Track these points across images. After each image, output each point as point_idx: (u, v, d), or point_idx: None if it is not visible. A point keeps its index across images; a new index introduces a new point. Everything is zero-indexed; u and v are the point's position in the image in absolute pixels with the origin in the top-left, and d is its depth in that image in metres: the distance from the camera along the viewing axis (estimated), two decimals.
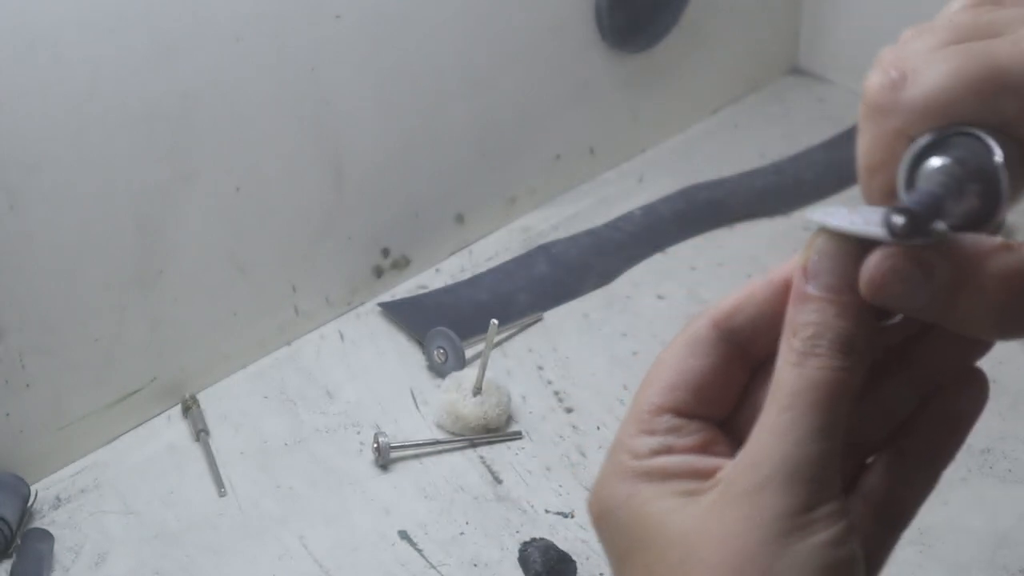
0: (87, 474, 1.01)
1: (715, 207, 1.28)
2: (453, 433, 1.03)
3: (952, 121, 0.41)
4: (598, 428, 1.04)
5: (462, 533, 0.95)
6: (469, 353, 1.09)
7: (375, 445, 1.01)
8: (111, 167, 0.96)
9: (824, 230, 0.42)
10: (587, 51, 1.26)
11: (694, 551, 0.42)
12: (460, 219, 1.22)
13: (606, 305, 1.17)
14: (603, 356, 1.11)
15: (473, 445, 1.03)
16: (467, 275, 1.20)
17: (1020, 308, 0.40)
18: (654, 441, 0.45)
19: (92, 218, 0.97)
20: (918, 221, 0.39)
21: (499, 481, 1.00)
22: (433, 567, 0.93)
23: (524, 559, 0.92)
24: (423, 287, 1.19)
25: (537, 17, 1.20)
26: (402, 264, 1.19)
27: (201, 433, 1.03)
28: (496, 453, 1.02)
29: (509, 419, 1.04)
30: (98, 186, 0.96)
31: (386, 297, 1.18)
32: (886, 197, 0.43)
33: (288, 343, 1.13)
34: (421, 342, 1.11)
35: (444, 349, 1.08)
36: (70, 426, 1.01)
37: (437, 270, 1.21)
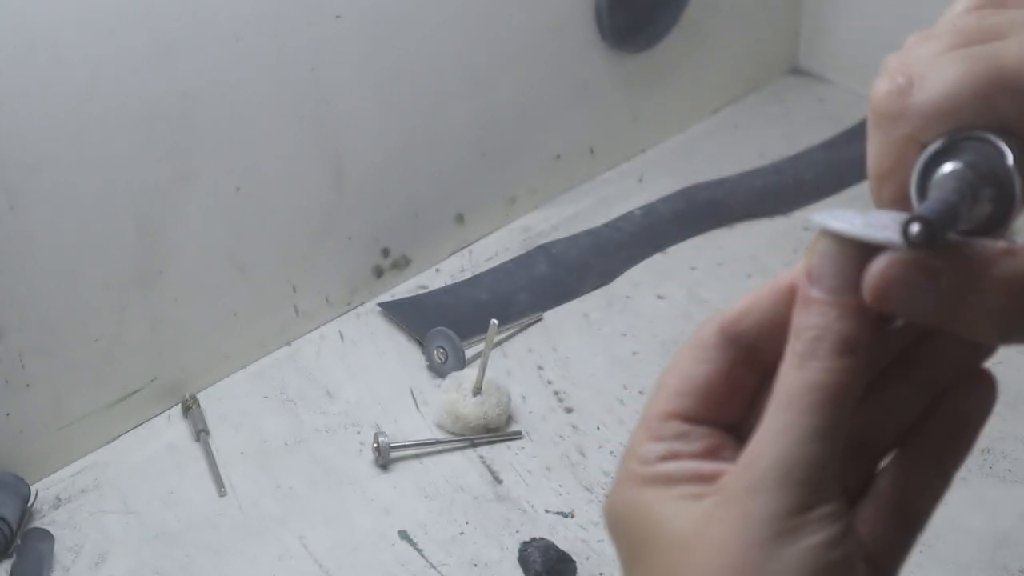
0: (87, 474, 1.01)
1: (715, 207, 1.28)
2: (453, 433, 1.03)
3: (961, 125, 0.41)
4: (598, 428, 1.04)
5: (462, 533, 0.95)
6: (469, 353, 1.09)
7: (375, 445, 1.01)
8: (111, 167, 0.96)
9: (826, 233, 0.42)
10: (587, 51, 1.26)
11: (690, 554, 0.42)
12: (460, 219, 1.22)
13: (606, 305, 1.17)
14: (603, 356, 1.11)
15: (473, 445, 1.03)
16: (467, 275, 1.20)
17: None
18: (661, 447, 0.45)
19: (92, 218, 0.97)
20: (934, 229, 0.39)
21: (499, 481, 1.00)
22: (433, 567, 0.93)
23: (524, 559, 0.92)
24: (423, 287, 1.19)
25: (537, 17, 1.20)
26: (402, 264, 1.19)
27: (201, 433, 1.03)
28: (496, 453, 1.02)
29: (509, 419, 1.04)
30: (98, 186, 0.96)
31: (386, 297, 1.18)
32: (897, 204, 0.43)
33: (288, 343, 1.13)
34: (421, 342, 1.11)
35: (444, 349, 1.08)
36: (70, 426, 1.01)
37: (437, 270, 1.21)
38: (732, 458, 0.44)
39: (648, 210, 1.27)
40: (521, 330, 1.14)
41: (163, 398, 1.06)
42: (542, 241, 1.23)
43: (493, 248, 1.23)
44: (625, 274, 1.20)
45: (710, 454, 0.45)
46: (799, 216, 1.26)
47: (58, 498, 0.99)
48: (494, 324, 1.04)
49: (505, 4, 1.17)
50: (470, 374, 1.04)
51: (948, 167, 0.41)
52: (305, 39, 1.04)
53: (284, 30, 1.02)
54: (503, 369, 1.09)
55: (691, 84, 1.38)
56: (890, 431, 0.46)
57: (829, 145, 1.35)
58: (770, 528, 0.41)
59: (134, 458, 1.03)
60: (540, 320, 1.15)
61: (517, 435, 1.03)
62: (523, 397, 1.07)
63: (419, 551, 0.94)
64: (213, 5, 0.97)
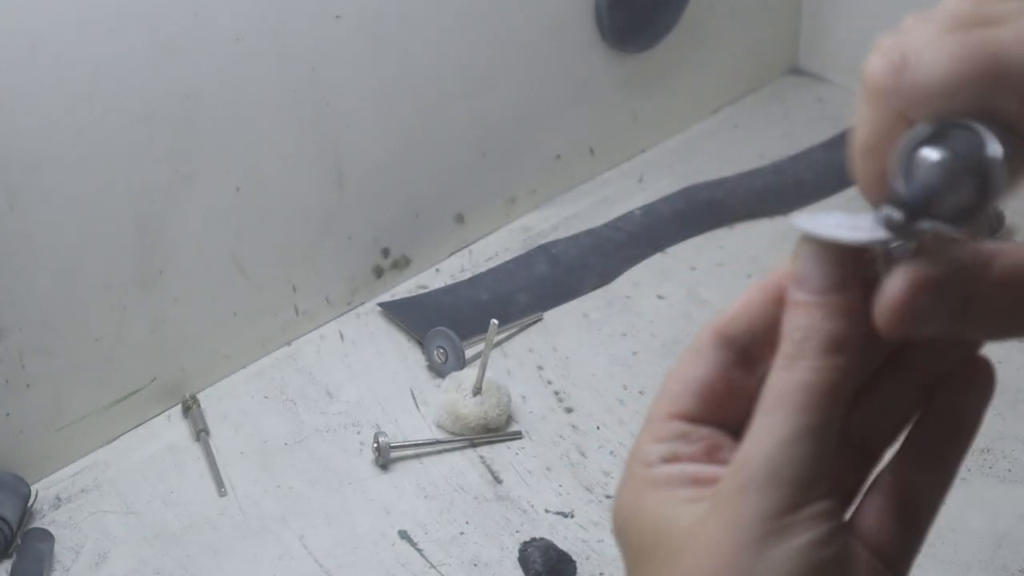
0: (87, 474, 1.01)
1: (715, 207, 1.28)
2: (453, 433, 1.03)
3: (952, 108, 0.41)
4: (598, 428, 1.04)
5: (462, 533, 0.95)
6: (469, 353, 1.09)
7: (375, 445, 1.01)
8: (111, 167, 0.96)
9: (807, 237, 0.42)
10: (587, 51, 1.26)
11: (683, 556, 0.42)
12: (460, 219, 1.22)
13: (606, 305, 1.17)
14: (603, 356, 1.11)
15: (473, 445, 1.03)
16: (467, 275, 1.20)
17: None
18: (662, 447, 0.45)
19: (92, 218, 0.97)
20: (916, 213, 0.39)
21: (499, 481, 1.00)
22: (433, 567, 0.93)
23: (524, 559, 0.92)
24: (423, 287, 1.19)
25: (537, 17, 1.20)
26: (402, 264, 1.19)
27: (201, 433, 1.03)
28: (496, 453, 1.02)
29: (509, 419, 1.04)
30: (98, 186, 0.96)
31: (386, 297, 1.18)
32: (878, 180, 0.43)
33: (288, 343, 1.13)
34: (421, 342, 1.11)
35: (444, 349, 1.08)
36: (70, 426, 1.01)
37: (437, 270, 1.21)
38: (731, 458, 0.45)
39: (648, 210, 1.27)
40: (521, 330, 1.14)
41: (163, 398, 1.06)
42: (542, 241, 1.23)
43: (493, 248, 1.23)
44: (625, 274, 1.20)
45: (710, 455, 0.45)
46: (800, 216, 1.26)
47: (58, 498, 0.99)
48: (494, 324, 1.04)
49: (505, 4, 1.17)
50: (470, 374, 1.04)
51: (932, 153, 0.41)
52: (305, 39, 1.04)
53: (284, 30, 1.02)
54: (503, 369, 1.09)
55: (691, 84, 1.38)
56: (885, 429, 0.46)
57: (829, 145, 1.35)
58: (760, 528, 0.41)
59: (134, 458, 1.03)
60: (540, 320, 1.15)
61: (517, 435, 1.03)
62: (523, 397, 1.07)
63: (419, 551, 0.94)
64: (213, 5, 0.97)
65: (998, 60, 0.40)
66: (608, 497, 0.97)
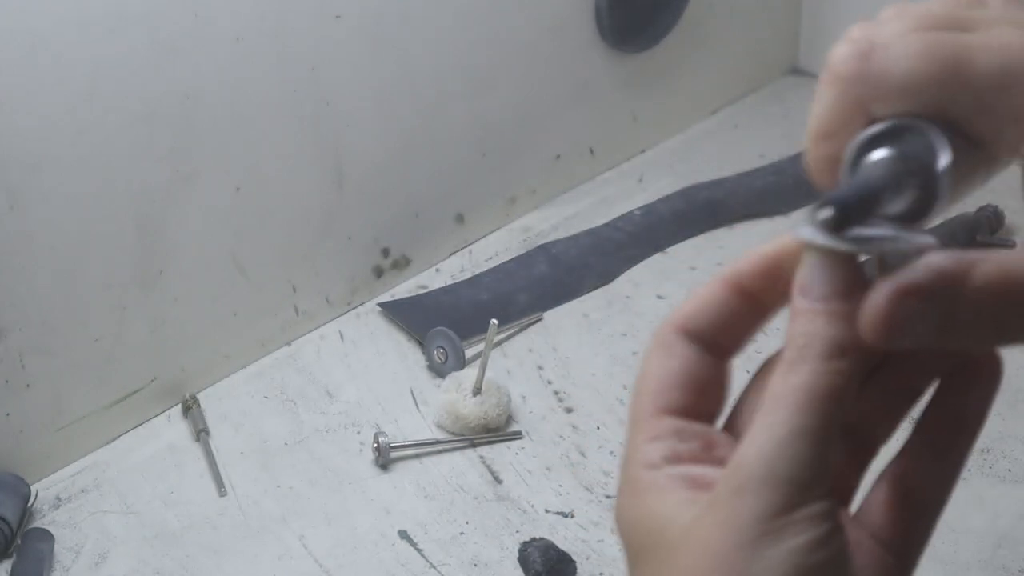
0: (87, 474, 1.01)
1: (715, 207, 1.28)
2: (453, 433, 1.03)
3: (910, 104, 0.41)
4: (598, 428, 1.04)
5: (462, 533, 0.95)
6: (469, 353, 1.09)
7: (375, 445, 1.01)
8: (111, 167, 0.96)
9: (810, 246, 0.43)
10: (587, 51, 1.26)
11: (679, 556, 0.42)
12: (460, 219, 1.22)
13: (606, 305, 1.17)
14: (603, 356, 1.11)
15: (473, 445, 1.03)
16: (467, 275, 1.20)
17: (1013, 313, 0.40)
18: (662, 447, 0.45)
19: (92, 218, 0.97)
20: (849, 212, 0.39)
21: (499, 481, 1.00)
22: (433, 567, 0.93)
23: (524, 559, 0.92)
24: (423, 287, 1.19)
25: (537, 17, 1.20)
26: (402, 264, 1.19)
27: (201, 433, 1.03)
28: (496, 453, 1.02)
29: (509, 419, 1.04)
30: (98, 186, 0.96)
31: (386, 297, 1.18)
32: (829, 166, 0.43)
33: (288, 343, 1.13)
34: (421, 342, 1.11)
35: (444, 349, 1.08)
36: (70, 426, 1.01)
37: (437, 270, 1.21)
38: (728, 457, 0.45)
39: (648, 210, 1.27)
40: (521, 330, 1.14)
41: (163, 398, 1.06)
42: (542, 241, 1.23)
43: (493, 248, 1.23)
44: (625, 274, 1.20)
45: (707, 452, 0.45)
46: (799, 216, 1.26)
47: (58, 498, 0.99)
48: (494, 324, 1.04)
49: (505, 4, 1.17)
50: (470, 374, 1.04)
51: (880, 153, 0.41)
52: (305, 39, 1.04)
53: (284, 30, 1.02)
54: (503, 369, 1.09)
55: (691, 84, 1.38)
56: (882, 423, 0.47)
57: None
58: (755, 529, 0.41)
59: (134, 458, 1.03)
60: (540, 320, 1.15)
61: (517, 435, 1.03)
62: (523, 397, 1.07)
63: (419, 551, 0.94)
64: (213, 5, 0.97)
65: (960, 63, 0.41)
66: (608, 497, 0.97)
